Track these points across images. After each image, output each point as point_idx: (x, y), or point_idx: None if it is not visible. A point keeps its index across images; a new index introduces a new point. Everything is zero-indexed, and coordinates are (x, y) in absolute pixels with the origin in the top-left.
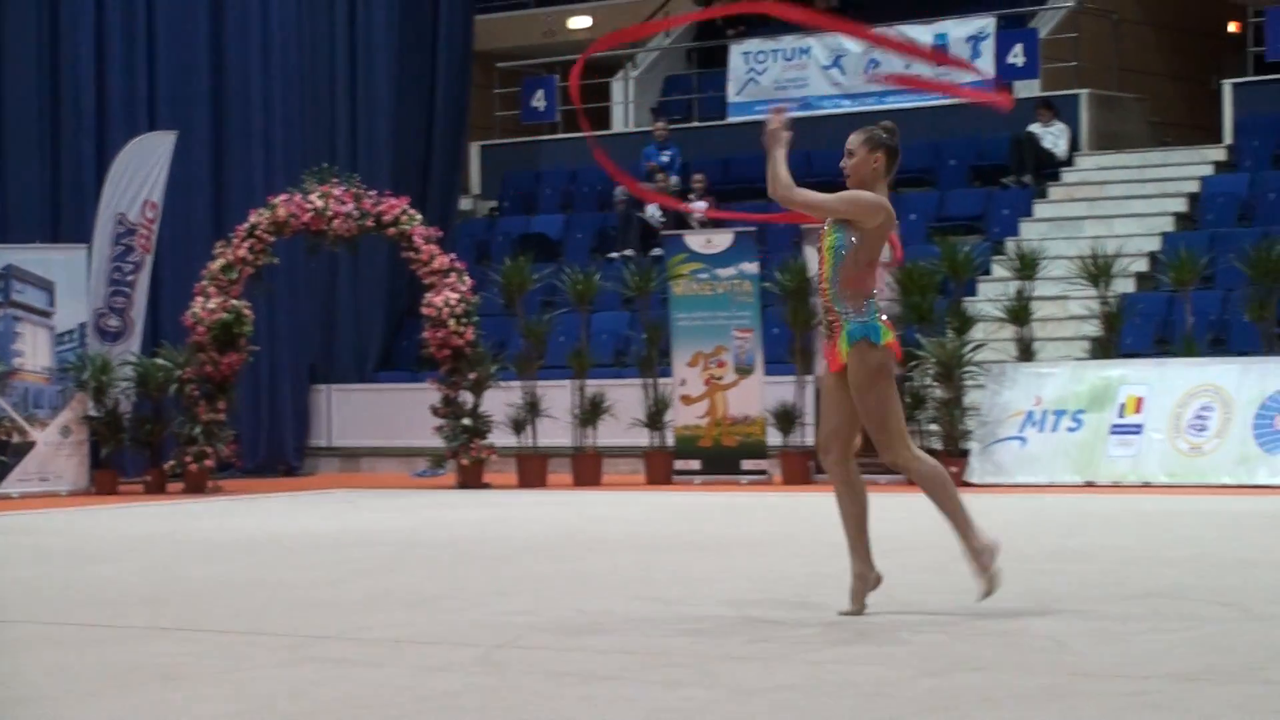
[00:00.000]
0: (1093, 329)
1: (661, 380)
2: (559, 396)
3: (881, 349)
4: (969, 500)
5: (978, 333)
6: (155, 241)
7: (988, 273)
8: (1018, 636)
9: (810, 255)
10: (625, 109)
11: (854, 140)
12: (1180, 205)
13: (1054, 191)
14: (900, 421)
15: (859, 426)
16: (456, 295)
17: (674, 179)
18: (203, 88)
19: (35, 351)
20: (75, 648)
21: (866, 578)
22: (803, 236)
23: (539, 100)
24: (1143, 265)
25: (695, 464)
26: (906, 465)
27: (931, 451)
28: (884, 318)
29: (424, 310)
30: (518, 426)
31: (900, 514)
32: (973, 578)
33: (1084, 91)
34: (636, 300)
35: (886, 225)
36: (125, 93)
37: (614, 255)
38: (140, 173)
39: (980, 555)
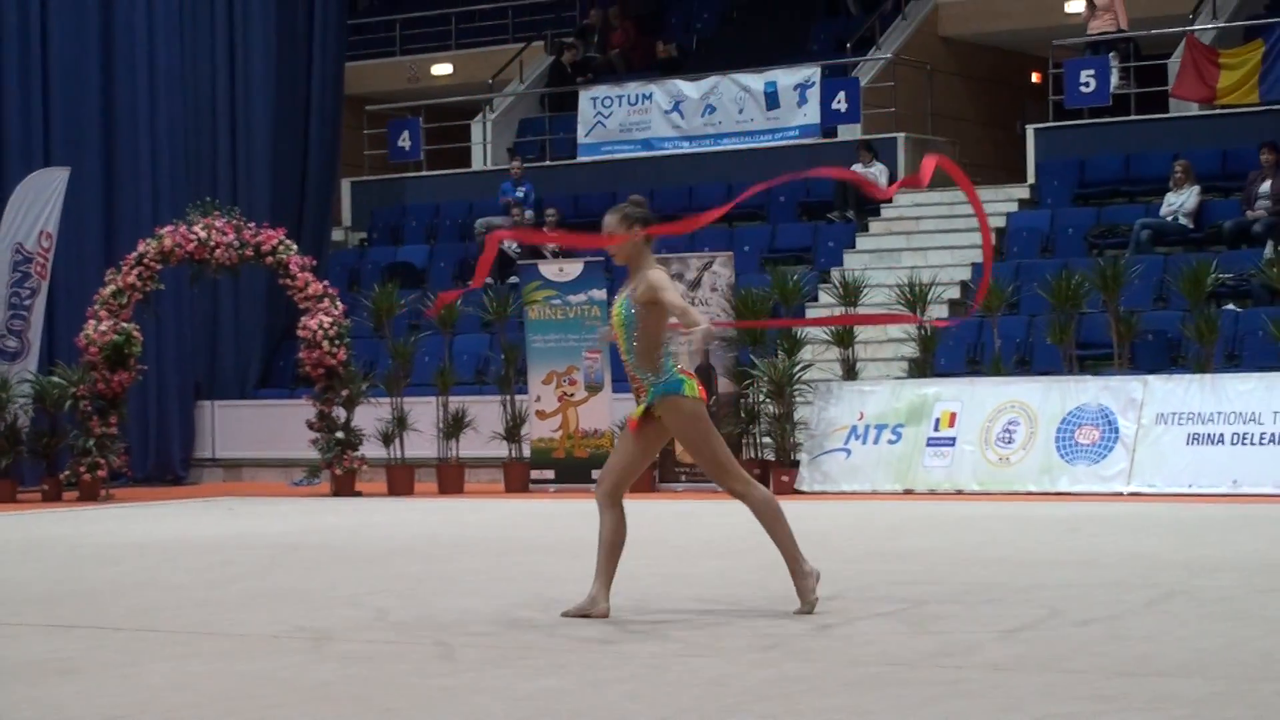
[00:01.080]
0: (910, 351)
1: (518, 397)
2: (425, 412)
3: (692, 398)
4: (800, 509)
5: (806, 354)
6: (51, 269)
7: (815, 299)
8: (843, 629)
9: None
10: (484, 149)
11: (610, 223)
12: None
13: (874, 225)
14: (728, 454)
15: (636, 474)
16: (330, 319)
17: (529, 212)
18: (94, 127)
19: None
20: None
21: (598, 604)
22: None
23: (404, 140)
24: (955, 293)
25: (550, 474)
26: (742, 494)
27: (764, 463)
28: (680, 368)
29: (300, 332)
30: (387, 439)
31: (728, 520)
32: (797, 597)
33: (901, 135)
34: (495, 324)
35: (663, 301)
36: (22, 131)
37: None
38: (36, 205)
39: (805, 579)
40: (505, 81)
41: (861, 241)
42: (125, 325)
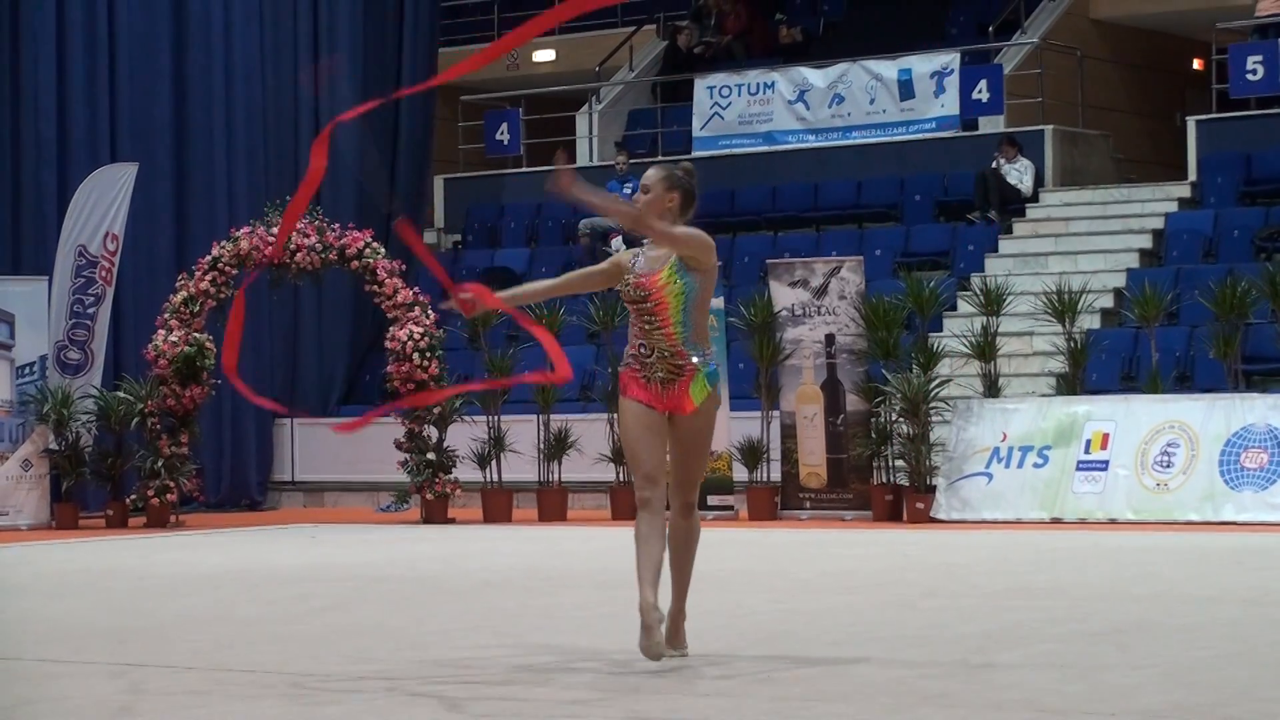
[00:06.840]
0: (1058, 365)
1: None
2: (524, 431)
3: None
4: (937, 539)
5: (944, 368)
6: (116, 274)
7: (953, 308)
8: (984, 672)
9: (776, 290)
10: (590, 143)
11: (651, 176)
12: (1145, 242)
13: (1019, 227)
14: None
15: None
16: (420, 329)
17: None
18: (165, 119)
19: None
20: (35, 683)
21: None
22: (768, 271)
23: (503, 134)
24: (1108, 301)
25: None
26: (695, 509)
27: (897, 488)
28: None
29: (388, 344)
30: (482, 461)
31: (858, 550)
32: (669, 639)
33: (1048, 128)
34: (602, 334)
35: (715, 265)
36: (87, 123)
37: None
38: (101, 204)
39: (679, 627)
40: (613, 69)
41: (1005, 245)
42: (198, 335)
